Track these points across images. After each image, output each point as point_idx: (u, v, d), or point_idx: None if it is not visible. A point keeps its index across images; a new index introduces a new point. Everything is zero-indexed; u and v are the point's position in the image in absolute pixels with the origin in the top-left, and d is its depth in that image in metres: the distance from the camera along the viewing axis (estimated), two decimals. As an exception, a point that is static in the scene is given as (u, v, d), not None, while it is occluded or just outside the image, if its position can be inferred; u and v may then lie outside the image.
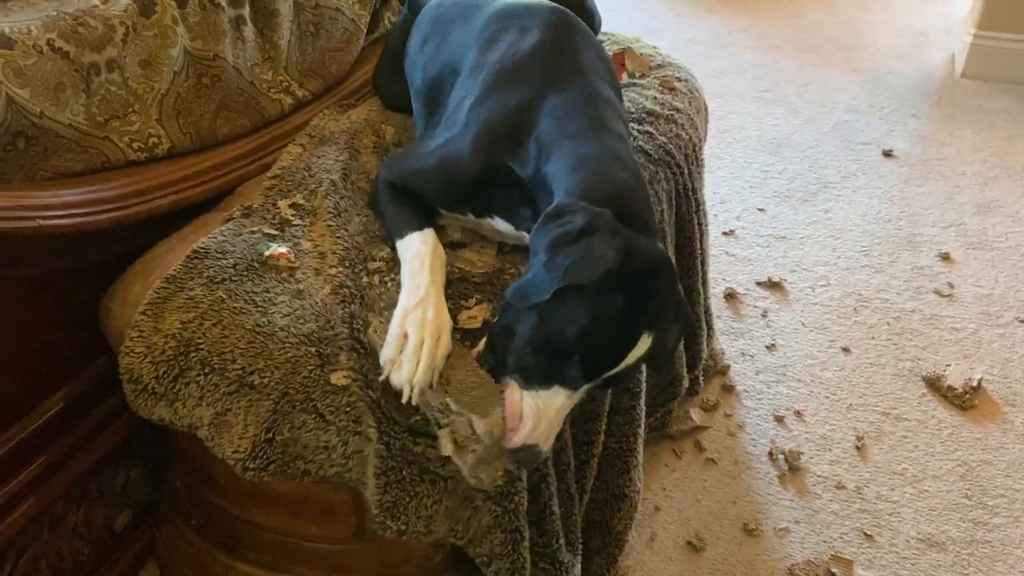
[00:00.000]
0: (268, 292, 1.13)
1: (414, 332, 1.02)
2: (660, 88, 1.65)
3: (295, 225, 1.27)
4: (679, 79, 1.72)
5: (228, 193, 1.38)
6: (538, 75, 1.21)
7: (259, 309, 1.10)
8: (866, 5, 4.19)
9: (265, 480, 1.05)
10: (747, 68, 3.51)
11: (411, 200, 1.23)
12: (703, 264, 1.71)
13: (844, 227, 2.49)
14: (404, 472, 1.06)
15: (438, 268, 1.11)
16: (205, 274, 1.15)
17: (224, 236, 1.22)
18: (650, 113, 1.57)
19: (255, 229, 1.25)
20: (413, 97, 1.51)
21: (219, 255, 1.18)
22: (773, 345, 2.04)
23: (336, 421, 1.04)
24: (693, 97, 1.70)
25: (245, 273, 1.15)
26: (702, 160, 1.71)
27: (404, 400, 1.01)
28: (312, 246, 1.23)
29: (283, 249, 1.20)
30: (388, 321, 1.06)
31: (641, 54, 1.77)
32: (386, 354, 1.02)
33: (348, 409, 1.04)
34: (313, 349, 1.06)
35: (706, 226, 1.76)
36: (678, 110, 1.61)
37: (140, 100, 1.31)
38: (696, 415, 1.80)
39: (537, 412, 0.99)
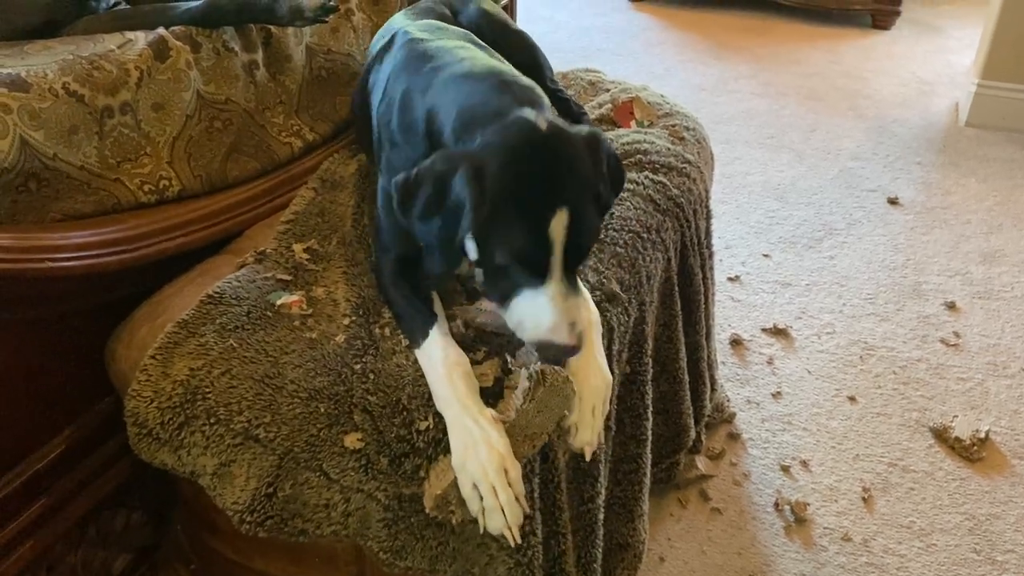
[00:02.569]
0: (280, 341, 1.12)
1: (482, 483, 0.99)
2: (670, 139, 1.66)
3: (309, 270, 1.27)
4: (687, 128, 1.72)
5: (236, 236, 1.39)
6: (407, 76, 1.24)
7: (270, 359, 1.09)
8: (870, 53, 4.23)
9: (260, 535, 1.04)
10: (753, 114, 3.54)
11: (412, 278, 1.20)
12: (707, 319, 1.70)
13: (849, 274, 2.49)
14: (412, 520, 1.05)
15: (460, 379, 1.05)
16: (218, 320, 1.14)
17: (239, 282, 1.22)
18: (664, 165, 1.57)
19: (269, 275, 1.24)
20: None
21: (233, 301, 1.18)
22: (779, 393, 2.03)
23: (342, 480, 1.03)
24: (701, 147, 1.71)
25: (258, 321, 1.15)
26: (711, 212, 1.72)
27: (514, 544, 1.03)
28: (325, 292, 1.23)
29: (295, 297, 1.20)
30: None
31: (649, 103, 1.78)
32: (473, 509, 1.01)
33: (356, 471, 1.03)
34: (322, 407, 1.05)
35: (712, 281, 1.76)
36: (689, 162, 1.61)
37: (152, 143, 1.33)
38: (702, 463, 1.79)
39: (541, 319, 1.00)
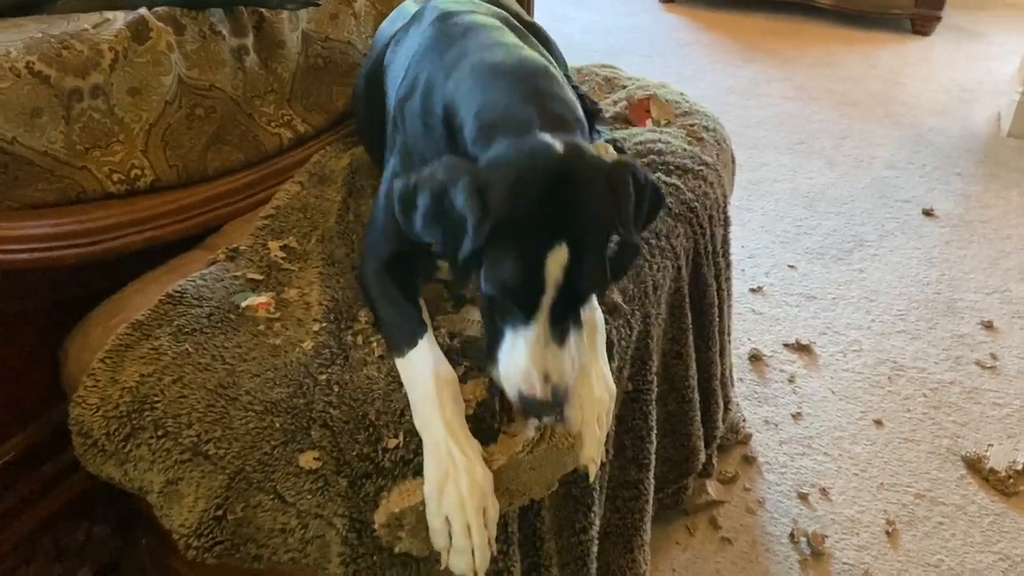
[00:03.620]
0: (240, 348, 1.02)
1: (456, 518, 0.89)
2: (687, 139, 1.54)
3: (283, 270, 1.18)
4: (707, 128, 1.61)
5: (212, 231, 1.29)
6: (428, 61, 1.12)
7: (226, 367, 0.99)
8: (908, 59, 4.08)
9: (209, 562, 0.94)
10: (783, 119, 3.41)
11: (401, 279, 1.09)
12: (722, 333, 1.58)
13: (879, 289, 2.35)
14: (375, 558, 0.94)
15: (449, 399, 0.96)
16: (175, 322, 1.05)
17: (204, 280, 1.13)
18: (679, 167, 1.46)
19: (239, 274, 1.15)
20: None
21: (195, 301, 1.08)
22: (799, 414, 1.90)
23: (298, 503, 0.93)
24: (721, 149, 1.59)
25: (219, 325, 1.05)
26: (729, 219, 1.59)
27: None
28: (298, 294, 1.13)
29: (262, 299, 1.10)
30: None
31: (667, 101, 1.67)
32: (438, 544, 0.91)
33: (312, 493, 0.93)
34: (278, 422, 0.95)
35: (728, 293, 1.63)
36: (707, 164, 1.50)
37: (126, 129, 1.24)
38: (712, 488, 1.67)
39: (513, 363, 0.91)
